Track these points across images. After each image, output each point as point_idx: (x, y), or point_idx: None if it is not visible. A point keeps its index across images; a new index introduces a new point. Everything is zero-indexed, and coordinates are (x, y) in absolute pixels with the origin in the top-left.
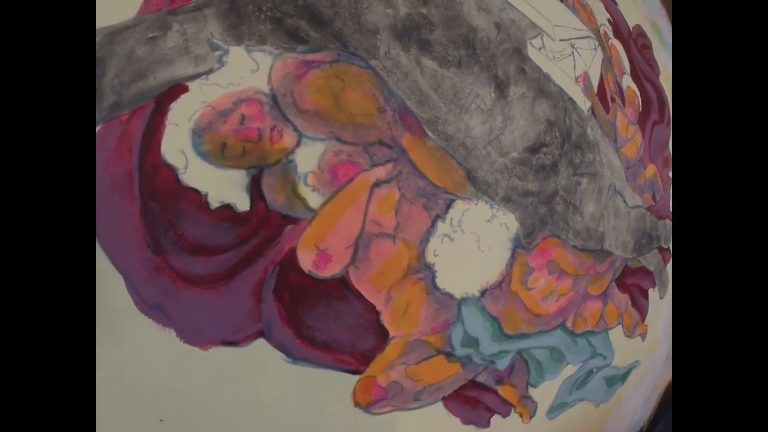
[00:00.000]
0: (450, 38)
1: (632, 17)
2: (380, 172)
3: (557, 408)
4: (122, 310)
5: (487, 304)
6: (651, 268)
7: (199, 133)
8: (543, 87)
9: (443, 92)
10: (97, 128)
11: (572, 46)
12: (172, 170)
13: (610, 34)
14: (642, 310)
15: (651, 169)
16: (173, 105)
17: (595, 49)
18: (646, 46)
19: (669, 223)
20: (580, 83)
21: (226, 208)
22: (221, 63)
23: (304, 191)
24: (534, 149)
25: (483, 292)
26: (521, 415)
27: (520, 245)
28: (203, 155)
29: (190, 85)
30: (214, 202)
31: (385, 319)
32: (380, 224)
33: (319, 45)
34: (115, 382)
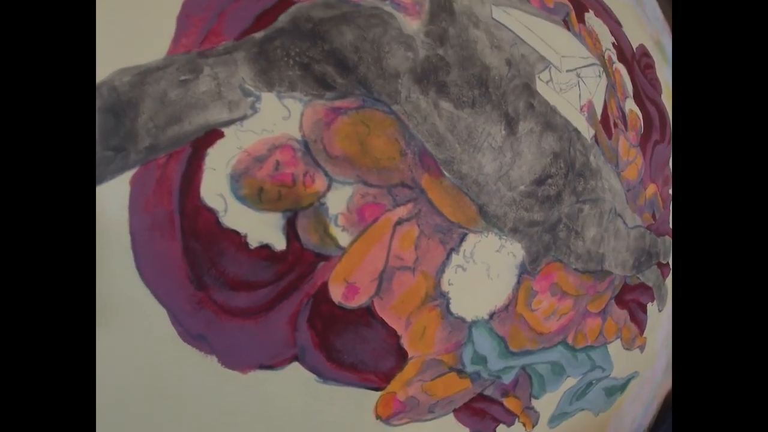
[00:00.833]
0: (465, 79)
1: (636, 37)
2: (402, 212)
3: (558, 417)
4: (165, 340)
5: (495, 325)
6: (650, 284)
7: (237, 179)
8: (550, 120)
9: (458, 133)
10: (135, 170)
11: (578, 75)
12: (212, 213)
13: (615, 58)
14: (641, 324)
15: (651, 189)
16: (210, 150)
17: (599, 76)
18: (649, 66)
19: (668, 239)
20: (585, 112)
21: (265, 247)
22: (254, 109)
23: (335, 231)
24: (540, 181)
25: (491, 315)
26: (524, 425)
27: (525, 271)
28: (242, 199)
29: (226, 131)
30: (253, 242)
31: (405, 342)
32: (402, 258)
33: (345, 91)
34: (158, 405)
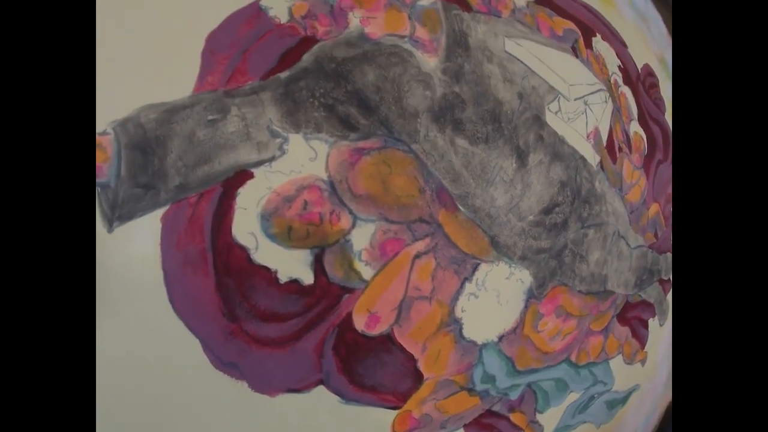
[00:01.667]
0: (479, 115)
1: (642, 56)
2: (420, 246)
3: (561, 430)
4: (197, 368)
5: (504, 347)
6: (651, 300)
7: (267, 218)
8: (558, 150)
9: (473, 169)
10: (166, 208)
11: (585, 103)
12: (244, 250)
13: (620, 81)
14: (642, 339)
15: (654, 209)
16: (240, 190)
17: (606, 101)
18: (654, 85)
19: (670, 255)
20: (591, 140)
21: (294, 282)
22: (282, 150)
23: (359, 266)
24: (548, 210)
25: (500, 338)
26: None
27: (532, 296)
28: (272, 237)
29: (255, 171)
30: (283, 278)
31: (421, 365)
32: (419, 289)
33: (368, 132)
34: (190, 426)
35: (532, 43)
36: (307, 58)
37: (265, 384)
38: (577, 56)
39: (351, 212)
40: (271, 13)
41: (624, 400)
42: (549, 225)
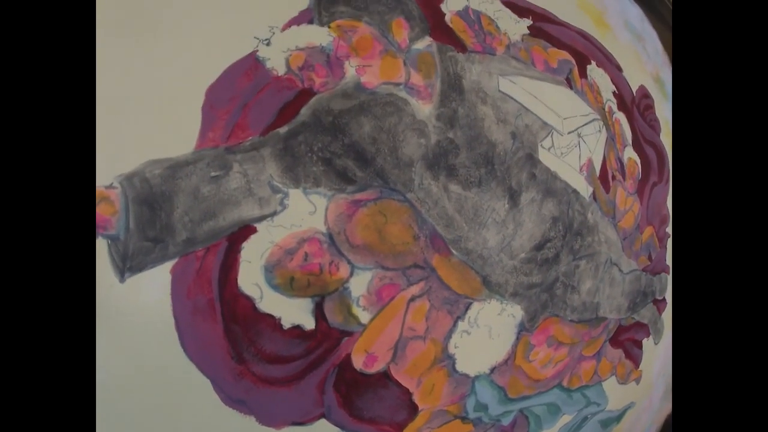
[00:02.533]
0: (472, 159)
1: (637, 78)
2: (415, 290)
3: None
4: (208, 404)
5: (495, 377)
6: (645, 321)
7: (270, 269)
8: (550, 186)
9: (465, 213)
10: (174, 261)
11: (579, 135)
12: (249, 300)
13: (615, 108)
14: (636, 359)
15: (648, 232)
16: (245, 244)
17: (599, 131)
18: (649, 107)
19: (665, 275)
20: (584, 172)
21: (296, 327)
22: (283, 205)
23: (357, 311)
24: (539, 246)
25: (492, 369)
26: None
27: (524, 329)
28: (275, 287)
29: (258, 226)
30: (286, 324)
31: (416, 398)
32: (414, 329)
33: (365, 184)
34: None
35: (526, 79)
36: (305, 112)
37: (271, 418)
38: (571, 87)
39: (349, 262)
40: (269, 64)
41: (618, 418)
42: (540, 260)
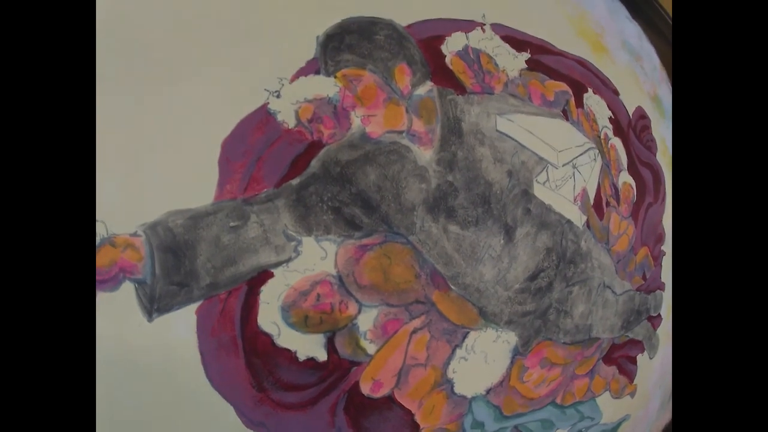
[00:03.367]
0: (470, 200)
1: (634, 99)
2: (416, 323)
3: None
4: (232, 427)
5: (491, 398)
6: (639, 338)
7: (286, 309)
8: (545, 219)
9: (463, 251)
10: (199, 303)
11: (574, 166)
12: (268, 336)
13: (611, 134)
14: (630, 374)
15: (642, 252)
16: (263, 288)
17: (594, 159)
18: (646, 127)
19: (659, 293)
20: (578, 202)
21: (311, 359)
22: (297, 252)
23: (365, 344)
24: (533, 277)
25: (488, 391)
26: None
27: (518, 353)
28: (291, 325)
29: (275, 271)
30: (301, 356)
31: (418, 418)
32: (416, 358)
33: (371, 230)
34: None
35: (523, 116)
36: (315, 164)
37: None
38: (568, 118)
39: (357, 300)
40: (280, 117)
41: (614, 429)
42: (534, 290)
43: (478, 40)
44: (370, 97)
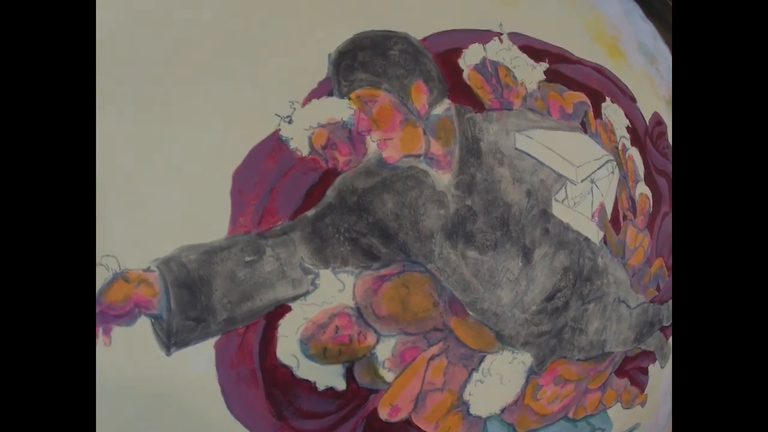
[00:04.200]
0: (489, 223)
1: (650, 104)
2: (434, 350)
3: None
4: None
5: (506, 416)
6: (651, 349)
7: (305, 342)
8: (562, 239)
9: (481, 276)
10: (217, 338)
11: (592, 180)
12: (287, 368)
13: (628, 144)
14: (641, 385)
15: (657, 264)
16: (281, 321)
17: (612, 172)
18: (662, 134)
19: (672, 303)
20: (596, 218)
21: (330, 389)
22: (314, 285)
23: (383, 372)
24: (550, 297)
25: (503, 410)
26: None
27: (533, 372)
28: (310, 357)
29: (293, 305)
30: (321, 386)
31: None
32: (433, 383)
33: (389, 259)
34: None
35: (542, 132)
36: (330, 194)
37: None
38: (586, 131)
39: (375, 331)
40: (292, 144)
41: None
42: (550, 310)
43: (495, 51)
44: (386, 119)
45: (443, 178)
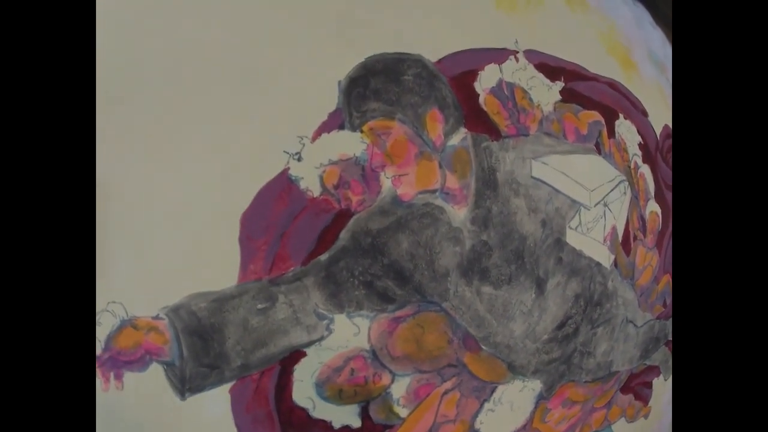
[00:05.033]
0: (504, 257)
1: (661, 117)
2: (448, 385)
3: None
4: None
5: None
6: (656, 363)
7: (321, 385)
8: (575, 266)
9: (496, 311)
10: (232, 383)
11: (605, 204)
12: (303, 410)
13: (640, 162)
14: (645, 399)
15: (664, 280)
16: (296, 366)
17: (624, 192)
18: (671, 147)
19: None
20: (608, 241)
21: (346, 427)
22: (329, 330)
23: (397, 409)
24: (561, 325)
25: None
26: None
27: (542, 398)
28: (326, 399)
29: (308, 350)
30: (336, 425)
31: None
32: (446, 416)
33: (404, 301)
34: None
35: (558, 157)
36: (344, 236)
37: None
38: (600, 152)
39: (390, 371)
40: (303, 184)
41: None
42: (561, 337)
43: (512, 71)
44: (400, 153)
45: (459, 213)
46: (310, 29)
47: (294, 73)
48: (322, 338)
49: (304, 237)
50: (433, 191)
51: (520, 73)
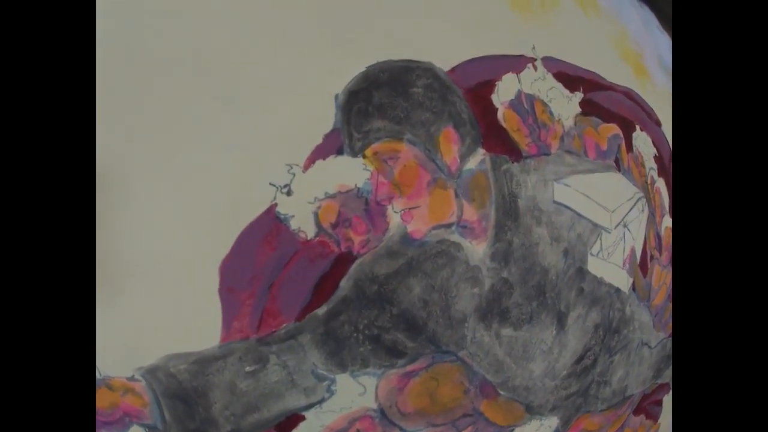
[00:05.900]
0: (525, 294)
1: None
2: None
3: None
4: None
5: None
6: (667, 381)
7: None
8: (596, 295)
9: (515, 353)
10: None
11: (624, 225)
12: None
13: (656, 175)
14: (656, 417)
15: None
16: (294, 431)
17: (642, 210)
18: None
19: None
20: (627, 265)
21: None
22: (330, 392)
23: None
24: (580, 359)
25: None
26: None
27: None
28: None
29: (306, 414)
30: None
31: None
32: None
33: (416, 354)
34: None
35: (579, 177)
36: (345, 285)
37: None
38: (619, 168)
39: (401, 429)
40: (294, 224)
41: None
42: (580, 371)
43: (530, 82)
44: (410, 181)
45: (477, 249)
46: (302, 33)
47: (281, 86)
48: (322, 400)
49: (297, 288)
50: (449, 225)
51: (539, 83)
